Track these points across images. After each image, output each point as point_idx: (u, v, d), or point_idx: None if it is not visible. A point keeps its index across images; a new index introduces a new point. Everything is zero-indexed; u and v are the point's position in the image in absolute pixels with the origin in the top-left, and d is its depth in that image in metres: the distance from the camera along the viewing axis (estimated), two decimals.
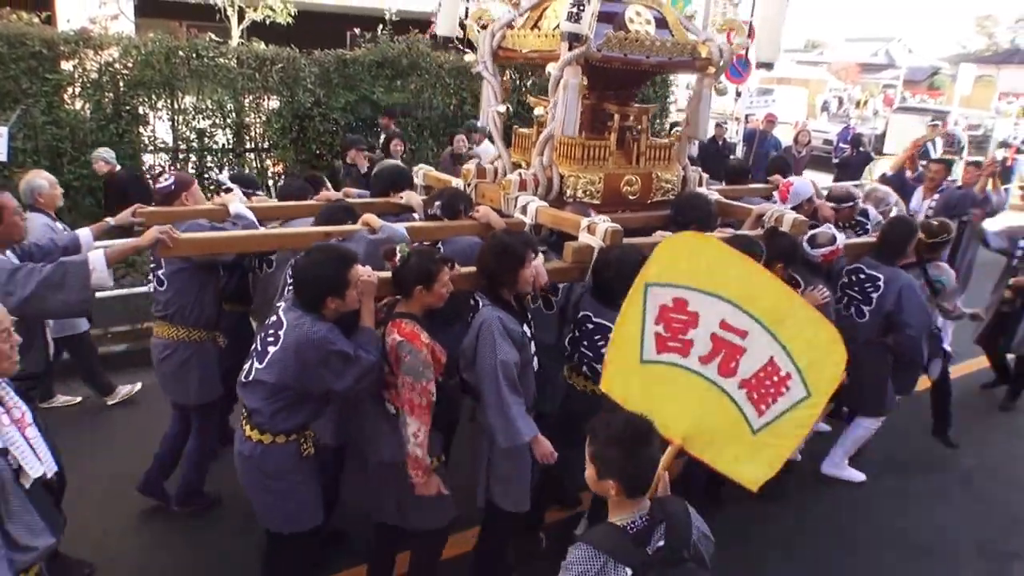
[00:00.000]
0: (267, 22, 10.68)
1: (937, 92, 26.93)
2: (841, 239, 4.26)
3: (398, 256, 3.02)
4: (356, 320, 2.95)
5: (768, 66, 4.66)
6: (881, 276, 4.38)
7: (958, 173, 8.01)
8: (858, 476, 4.83)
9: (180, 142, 8.37)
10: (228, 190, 4.25)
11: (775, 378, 2.46)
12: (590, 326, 3.44)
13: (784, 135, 12.63)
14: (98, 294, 3.37)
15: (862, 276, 4.45)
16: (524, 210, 4.12)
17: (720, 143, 10.66)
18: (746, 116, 12.00)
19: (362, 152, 7.34)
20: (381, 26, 9.52)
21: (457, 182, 4.71)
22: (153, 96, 7.99)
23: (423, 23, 11.39)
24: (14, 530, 2.14)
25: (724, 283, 2.54)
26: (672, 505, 2.15)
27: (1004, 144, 18.33)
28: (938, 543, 4.29)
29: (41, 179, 4.71)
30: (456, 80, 9.67)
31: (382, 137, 8.61)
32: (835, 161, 12.16)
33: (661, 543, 2.03)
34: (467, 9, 5.09)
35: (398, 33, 9.48)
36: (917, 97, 24.30)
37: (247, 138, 8.86)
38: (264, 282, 4.17)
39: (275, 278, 3.94)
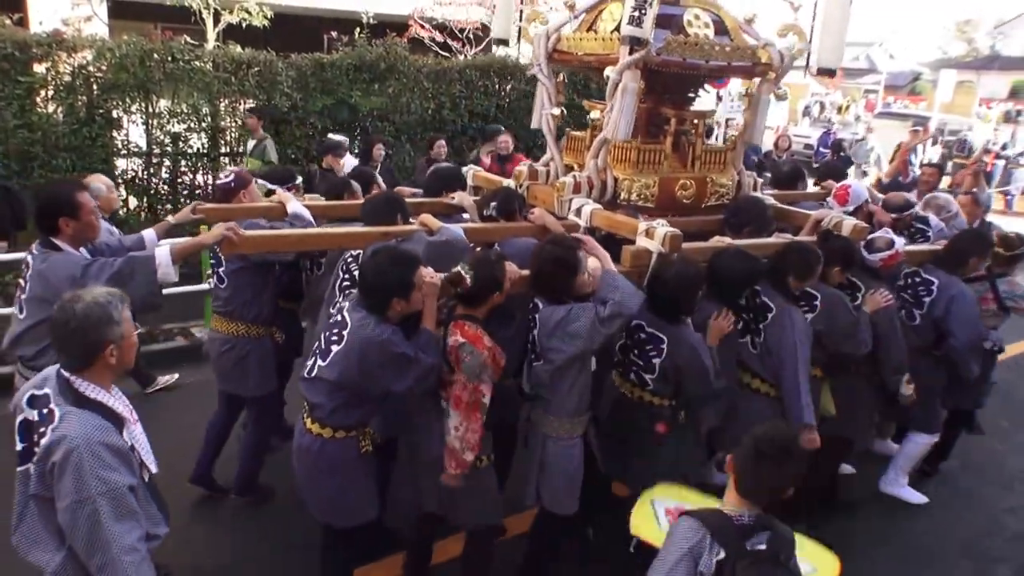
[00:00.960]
0: (243, 25, 10.57)
1: (919, 97, 27.14)
2: (900, 243, 4.15)
3: (467, 279, 3.03)
4: (417, 320, 3.01)
5: (830, 72, 4.58)
6: (936, 280, 4.30)
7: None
8: (917, 497, 4.72)
9: (154, 146, 8.25)
10: (271, 192, 4.25)
11: None
12: (643, 335, 3.43)
13: (765, 140, 12.65)
14: None
15: (917, 280, 4.38)
16: (578, 212, 4.09)
17: None
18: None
19: (339, 158, 7.26)
20: (358, 29, 9.46)
21: (509, 183, 4.67)
22: (127, 100, 7.88)
23: (400, 26, 11.38)
24: (146, 523, 2.28)
25: None
26: (782, 526, 2.18)
27: (985, 150, 18.46)
28: (928, 544, 4.32)
29: (99, 183, 4.73)
30: (434, 84, 9.62)
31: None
32: (815, 166, 12.21)
33: (761, 546, 2.09)
34: (521, 12, 5.03)
35: (375, 36, 9.42)
36: (900, 103, 24.44)
37: (223, 142, 8.76)
38: (314, 284, 4.22)
39: (324, 281, 3.99)
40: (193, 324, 6.57)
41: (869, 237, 4.16)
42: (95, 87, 7.72)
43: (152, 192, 8.37)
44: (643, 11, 3.62)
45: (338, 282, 3.69)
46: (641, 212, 4.10)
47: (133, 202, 8.29)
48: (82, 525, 2.12)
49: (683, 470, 3.50)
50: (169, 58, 7.91)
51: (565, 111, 5.67)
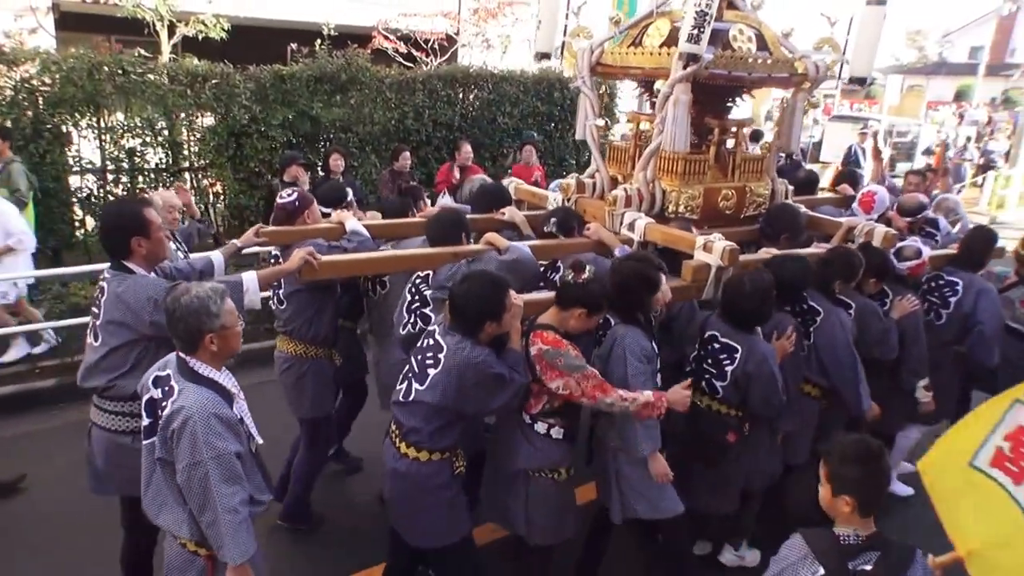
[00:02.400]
0: (199, 37, 10.33)
1: (874, 101, 27.93)
2: (927, 252, 4.38)
3: (585, 275, 3.15)
4: (502, 341, 3.09)
5: (861, 81, 4.70)
6: (960, 281, 4.49)
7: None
8: (907, 490, 4.85)
9: (109, 162, 7.98)
10: (327, 214, 4.25)
11: None
12: (716, 346, 3.56)
13: None
14: None
15: (941, 282, 4.56)
16: (631, 227, 4.15)
17: None
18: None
19: (302, 168, 7.10)
20: (319, 41, 9.31)
21: (555, 196, 4.77)
22: (76, 114, 7.60)
23: (362, 37, 11.24)
24: (250, 488, 2.55)
25: None
26: (900, 545, 2.19)
27: (928, 151, 18.96)
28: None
29: (158, 197, 4.65)
30: (397, 95, 9.51)
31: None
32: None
33: (867, 567, 2.11)
34: (566, 27, 5.11)
35: (337, 48, 9.27)
36: (856, 106, 25.07)
37: (181, 157, 8.52)
38: (379, 304, 4.24)
39: (389, 299, 4.07)
40: None
41: (898, 246, 4.36)
42: (40, 102, 7.42)
43: None
44: (701, 29, 3.75)
45: (406, 304, 3.77)
46: (688, 222, 4.22)
47: (91, 222, 7.99)
48: (196, 486, 2.43)
49: (752, 481, 3.67)
50: (120, 71, 7.66)
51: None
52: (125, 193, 8.05)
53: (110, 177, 8.03)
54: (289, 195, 4.01)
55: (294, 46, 9.72)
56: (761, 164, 4.62)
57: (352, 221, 4.02)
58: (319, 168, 7.77)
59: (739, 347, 3.48)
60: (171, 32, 10.58)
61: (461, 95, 10.26)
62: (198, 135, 8.49)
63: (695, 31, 3.76)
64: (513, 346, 3.07)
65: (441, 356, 2.96)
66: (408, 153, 8.17)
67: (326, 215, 4.24)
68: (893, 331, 4.05)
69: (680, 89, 3.97)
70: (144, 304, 2.95)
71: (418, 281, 3.76)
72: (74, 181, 7.92)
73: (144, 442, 2.59)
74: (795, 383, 3.76)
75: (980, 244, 4.61)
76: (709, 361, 3.60)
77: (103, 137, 7.88)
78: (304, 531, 4.25)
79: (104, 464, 3.16)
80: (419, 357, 3.05)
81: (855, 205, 5.20)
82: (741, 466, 3.68)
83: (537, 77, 10.93)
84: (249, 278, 3.20)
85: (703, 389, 3.60)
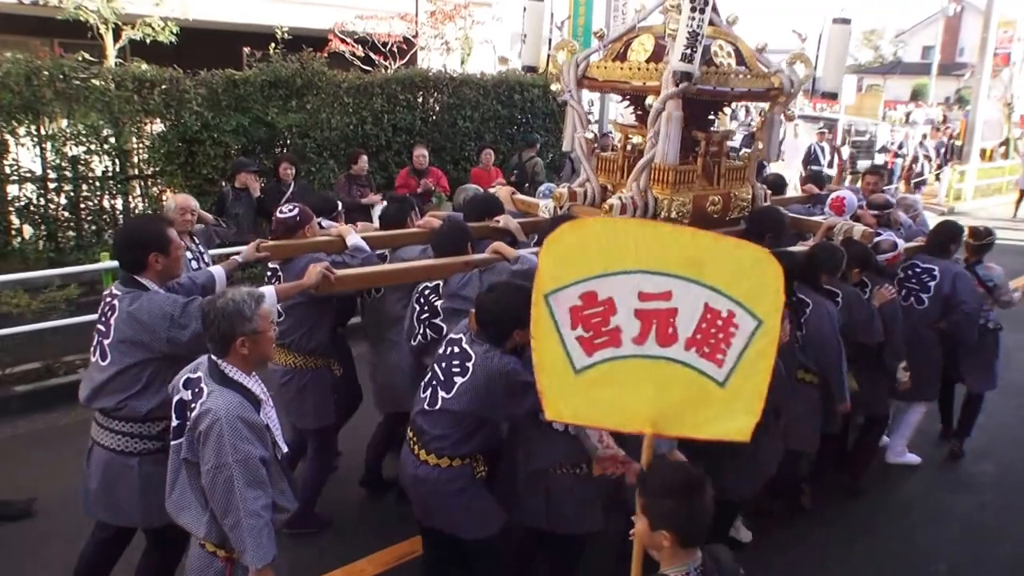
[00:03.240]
0: (146, 41, 9.99)
1: (835, 100, 28.60)
2: (902, 244, 4.85)
3: None
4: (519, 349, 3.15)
5: (833, 96, 5.01)
6: (935, 266, 4.92)
7: None
8: (915, 459, 5.30)
9: (50, 171, 7.63)
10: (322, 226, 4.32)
11: (718, 322, 2.33)
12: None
13: None
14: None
15: (918, 269, 4.98)
16: None
17: None
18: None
19: (253, 175, 6.87)
20: (273, 45, 9.06)
21: (545, 203, 4.96)
22: (14, 122, 7.25)
23: (318, 41, 11.00)
24: (275, 495, 2.58)
25: (622, 257, 2.36)
26: (722, 554, 2.18)
27: (883, 149, 19.31)
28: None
29: (191, 202, 4.71)
30: (355, 99, 9.29)
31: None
32: None
33: None
34: (551, 40, 5.19)
35: (292, 51, 9.04)
36: (818, 106, 25.58)
37: (129, 165, 8.19)
38: (373, 307, 4.29)
39: (384, 303, 4.18)
40: None
41: (876, 240, 4.73)
42: None
43: (51, 219, 7.72)
44: (694, 48, 3.94)
45: (415, 315, 3.84)
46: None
47: (29, 230, 7.64)
48: (219, 488, 2.45)
49: (762, 463, 3.84)
50: (61, 76, 7.33)
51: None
52: (68, 202, 7.76)
53: (51, 186, 7.68)
54: (290, 210, 4.01)
55: (248, 50, 9.43)
56: (743, 172, 4.89)
57: (353, 236, 4.04)
58: (273, 175, 7.52)
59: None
60: (117, 36, 10.23)
61: (420, 99, 10.12)
62: (147, 142, 8.17)
63: (688, 51, 3.94)
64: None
65: (469, 364, 3.04)
66: (365, 157, 8.05)
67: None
68: (876, 317, 4.40)
69: (672, 105, 4.14)
70: (160, 321, 2.94)
71: (427, 292, 3.81)
72: (12, 190, 7.55)
73: (172, 442, 2.64)
74: (791, 369, 3.96)
75: (948, 234, 5.07)
76: None
77: (43, 145, 7.53)
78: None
79: (98, 485, 3.08)
80: (443, 365, 3.11)
81: (827, 208, 5.49)
82: (759, 450, 3.72)
83: (496, 80, 10.85)
84: (268, 292, 3.16)
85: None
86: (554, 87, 4.78)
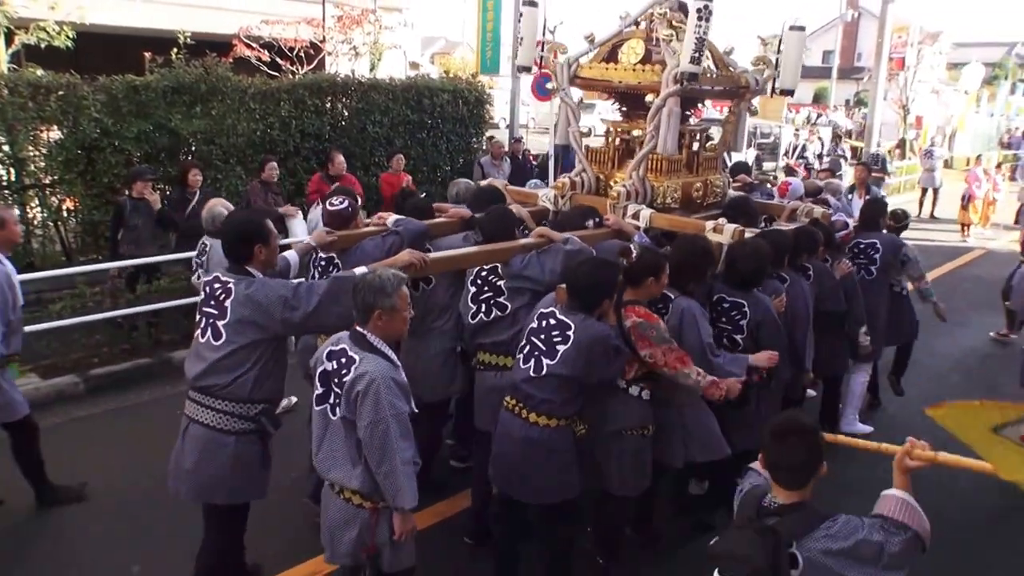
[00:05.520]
0: (42, 46, 9.71)
1: (791, 97, 29.82)
2: (851, 223, 5.67)
3: (634, 254, 3.83)
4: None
5: (790, 92, 5.61)
6: (876, 241, 5.62)
7: None
8: (867, 428, 5.79)
9: None
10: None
11: None
12: (725, 304, 4.19)
13: None
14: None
15: (863, 245, 5.64)
16: (636, 216, 4.80)
17: (520, 157, 11.13)
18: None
19: (149, 184, 6.82)
20: (175, 50, 8.97)
21: (545, 193, 5.34)
22: None
23: (222, 46, 10.91)
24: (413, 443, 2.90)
25: None
26: (811, 512, 2.21)
27: (786, 153, 20.21)
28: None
29: (221, 207, 5.16)
30: (262, 105, 9.29)
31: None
32: None
33: (771, 522, 2.18)
34: (544, 43, 5.63)
35: (195, 57, 8.96)
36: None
37: (26, 173, 7.98)
38: (422, 299, 4.32)
39: (435, 292, 4.31)
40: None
41: (831, 219, 5.39)
42: None
43: None
44: (700, 52, 4.48)
45: (471, 295, 4.09)
46: (669, 211, 5.00)
47: None
48: (376, 440, 2.75)
49: (763, 420, 4.14)
50: None
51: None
52: None
53: None
54: (341, 202, 4.23)
55: (149, 55, 9.29)
56: (715, 161, 5.60)
57: (392, 216, 4.30)
58: (180, 182, 7.44)
59: (745, 302, 4.12)
60: (9, 40, 9.91)
61: (329, 104, 10.15)
62: (44, 150, 7.99)
63: (696, 54, 4.46)
64: (612, 322, 3.51)
65: (569, 333, 3.34)
66: (275, 163, 8.04)
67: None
68: (840, 288, 5.00)
69: (672, 102, 4.69)
70: (276, 302, 3.19)
71: (484, 274, 4.07)
72: None
73: (316, 408, 2.97)
74: (801, 332, 4.51)
75: (877, 210, 5.89)
76: (723, 320, 4.17)
77: None
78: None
79: (192, 463, 3.26)
80: (542, 336, 3.42)
81: (774, 190, 6.58)
82: (761, 406, 4.22)
83: (406, 85, 10.96)
84: (362, 272, 3.33)
85: (725, 345, 4.12)
86: (549, 85, 5.29)
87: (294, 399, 5.79)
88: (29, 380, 5.72)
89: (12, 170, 7.85)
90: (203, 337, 3.27)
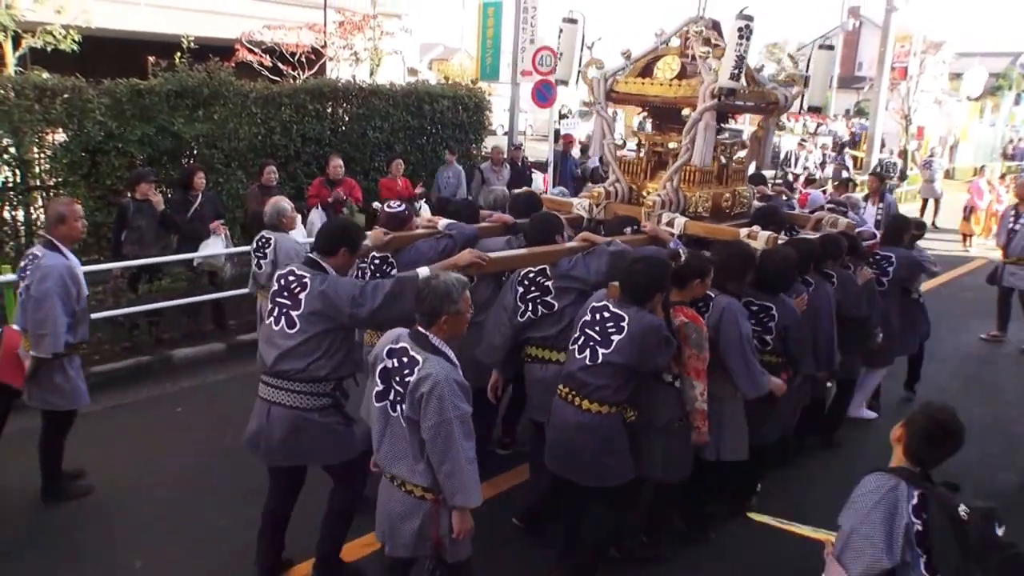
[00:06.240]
0: (48, 49, 9.86)
1: (821, 115, 29.83)
2: (877, 234, 5.96)
3: (682, 258, 4.07)
4: None
5: (818, 109, 5.93)
6: (892, 255, 5.83)
7: None
8: (872, 415, 6.17)
9: None
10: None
11: None
12: (755, 307, 4.35)
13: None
14: None
15: (878, 257, 5.85)
16: (670, 223, 5.06)
17: (520, 164, 11.22)
18: (556, 135, 12.50)
19: (153, 186, 6.92)
20: (179, 54, 9.10)
21: (579, 202, 5.62)
22: None
23: (225, 50, 11.06)
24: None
25: None
26: (944, 489, 2.50)
27: (786, 162, 20.22)
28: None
29: (284, 203, 5.62)
30: (263, 109, 9.42)
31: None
32: None
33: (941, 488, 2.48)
34: (581, 58, 5.86)
35: (198, 61, 9.10)
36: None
37: (31, 175, 8.11)
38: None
39: (477, 290, 4.35)
40: None
41: (857, 230, 5.60)
42: None
43: None
44: (740, 69, 4.75)
45: (519, 295, 4.30)
46: (700, 220, 5.24)
47: None
48: (440, 440, 2.84)
49: (789, 416, 4.66)
50: None
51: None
52: None
53: None
54: (398, 205, 4.56)
55: (153, 59, 9.43)
56: (742, 173, 5.83)
57: (443, 220, 4.59)
58: (180, 185, 7.57)
59: (772, 305, 4.33)
60: (16, 44, 10.06)
61: (330, 109, 10.27)
62: (49, 152, 8.10)
63: (736, 71, 4.71)
64: (662, 316, 3.71)
65: (624, 324, 3.56)
66: (274, 168, 8.09)
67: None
68: (862, 294, 5.19)
69: (708, 116, 4.95)
70: (345, 299, 3.42)
71: (532, 275, 4.29)
72: None
73: (376, 405, 3.06)
74: (825, 333, 4.74)
75: (900, 226, 6.11)
76: (752, 321, 4.28)
77: None
78: None
79: (285, 437, 3.53)
80: (596, 328, 3.65)
81: (795, 202, 6.83)
82: (790, 400, 4.56)
83: (406, 91, 11.07)
84: (423, 272, 3.55)
85: (755, 345, 4.25)
86: (586, 98, 5.49)
87: None
88: None
89: (18, 172, 7.96)
90: (276, 325, 3.51)
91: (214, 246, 7.17)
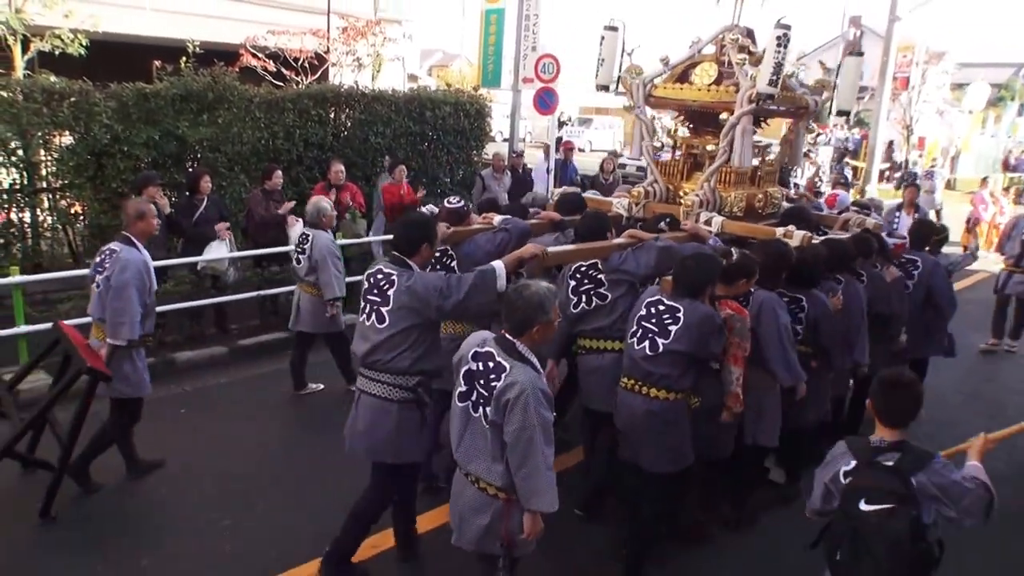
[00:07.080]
0: (56, 53, 9.98)
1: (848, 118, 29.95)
2: (905, 235, 6.27)
3: (735, 256, 4.32)
4: None
5: (847, 112, 6.00)
6: (918, 259, 6.00)
7: None
8: None
9: None
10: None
11: None
12: (786, 299, 4.54)
13: (591, 163, 13.33)
14: None
15: (904, 259, 5.99)
16: (708, 222, 5.26)
17: (520, 171, 11.33)
18: (557, 143, 12.58)
19: (159, 188, 7.01)
20: (184, 58, 9.21)
21: (619, 201, 5.86)
22: None
23: (229, 55, 11.17)
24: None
25: None
26: (920, 450, 2.81)
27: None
28: None
29: (325, 203, 6.01)
30: (267, 114, 9.51)
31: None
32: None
33: (889, 462, 2.78)
34: (621, 64, 6.06)
35: (203, 65, 9.20)
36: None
37: (37, 177, 8.21)
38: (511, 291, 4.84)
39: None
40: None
41: (885, 231, 5.89)
42: None
43: None
44: (778, 75, 4.95)
45: (571, 288, 4.52)
46: (735, 219, 5.44)
47: None
48: (522, 445, 2.94)
49: (822, 404, 4.85)
50: None
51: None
52: None
53: None
54: (457, 201, 4.83)
55: (158, 63, 9.54)
56: (773, 175, 6.08)
57: (498, 216, 4.84)
58: (186, 188, 7.67)
59: (803, 297, 4.57)
60: (25, 47, 10.18)
61: (332, 115, 10.36)
62: (56, 155, 8.21)
63: (774, 77, 4.91)
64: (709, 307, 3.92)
65: (679, 315, 3.83)
66: (280, 172, 8.17)
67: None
68: (890, 292, 5.38)
69: (745, 120, 5.18)
70: (432, 293, 3.57)
71: (584, 269, 4.52)
72: None
73: (459, 404, 3.17)
74: (855, 328, 4.93)
75: (925, 231, 6.34)
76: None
77: None
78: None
79: (365, 426, 3.76)
80: (653, 320, 3.91)
81: (822, 202, 7.05)
82: (820, 388, 4.76)
83: (408, 97, 11.17)
84: (499, 265, 3.70)
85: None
86: (625, 103, 5.74)
87: (320, 385, 6.51)
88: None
89: (25, 174, 8.06)
90: (368, 321, 3.72)
91: (218, 250, 7.25)
